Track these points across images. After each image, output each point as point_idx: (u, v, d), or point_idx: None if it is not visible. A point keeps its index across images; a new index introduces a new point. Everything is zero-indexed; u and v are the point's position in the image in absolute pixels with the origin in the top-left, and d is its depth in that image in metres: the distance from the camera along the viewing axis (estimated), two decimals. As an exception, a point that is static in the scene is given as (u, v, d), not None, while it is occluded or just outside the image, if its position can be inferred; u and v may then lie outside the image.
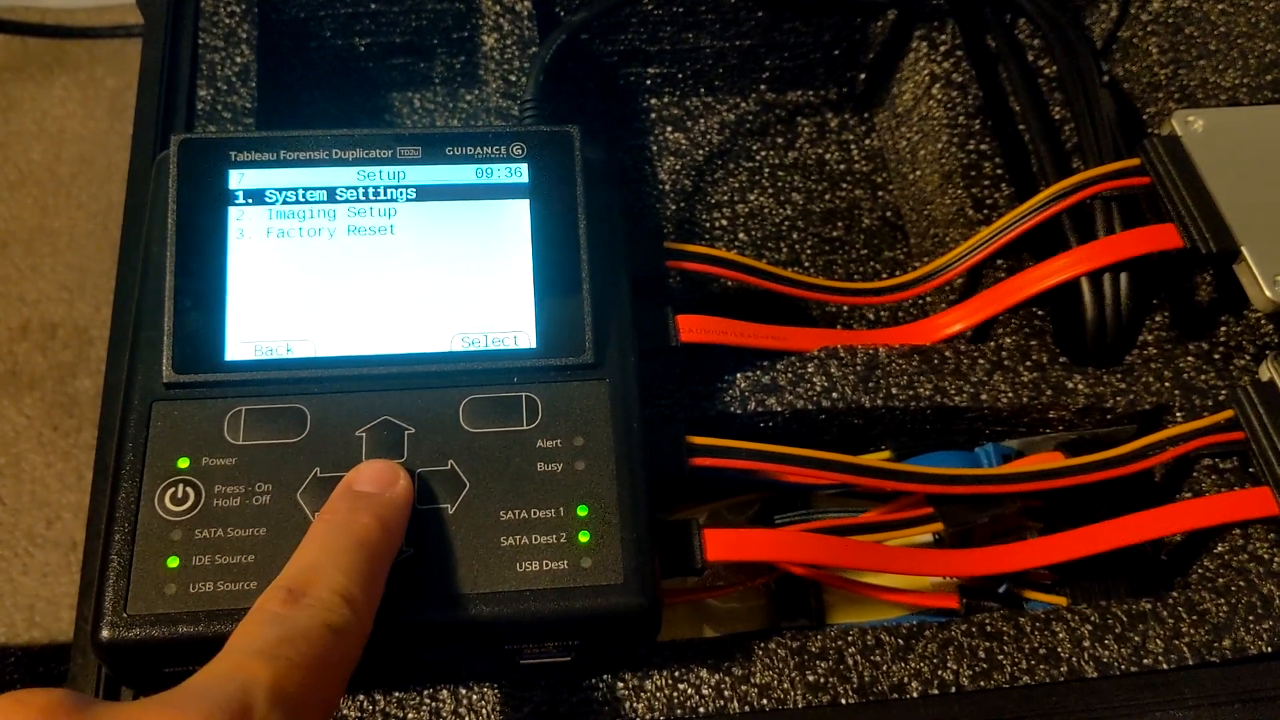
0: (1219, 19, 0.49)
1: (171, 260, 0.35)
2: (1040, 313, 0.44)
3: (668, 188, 0.53)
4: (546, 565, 0.32)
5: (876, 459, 0.41)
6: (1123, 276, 0.42)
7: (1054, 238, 0.44)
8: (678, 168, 0.54)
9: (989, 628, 0.36)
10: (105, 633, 0.31)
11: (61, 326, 0.55)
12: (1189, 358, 0.42)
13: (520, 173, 0.37)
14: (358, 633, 0.28)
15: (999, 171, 0.47)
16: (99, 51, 0.64)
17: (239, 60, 0.46)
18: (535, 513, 0.33)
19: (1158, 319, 0.43)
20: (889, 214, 0.53)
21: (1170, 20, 0.50)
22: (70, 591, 0.50)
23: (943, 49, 0.50)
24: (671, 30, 0.53)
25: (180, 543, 0.32)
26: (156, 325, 0.34)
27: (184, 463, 0.33)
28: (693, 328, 0.39)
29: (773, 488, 0.42)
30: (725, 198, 0.53)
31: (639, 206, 0.52)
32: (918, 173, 0.51)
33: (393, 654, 0.32)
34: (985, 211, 0.46)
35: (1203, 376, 0.41)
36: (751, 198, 0.53)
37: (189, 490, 0.32)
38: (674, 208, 0.53)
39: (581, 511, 0.33)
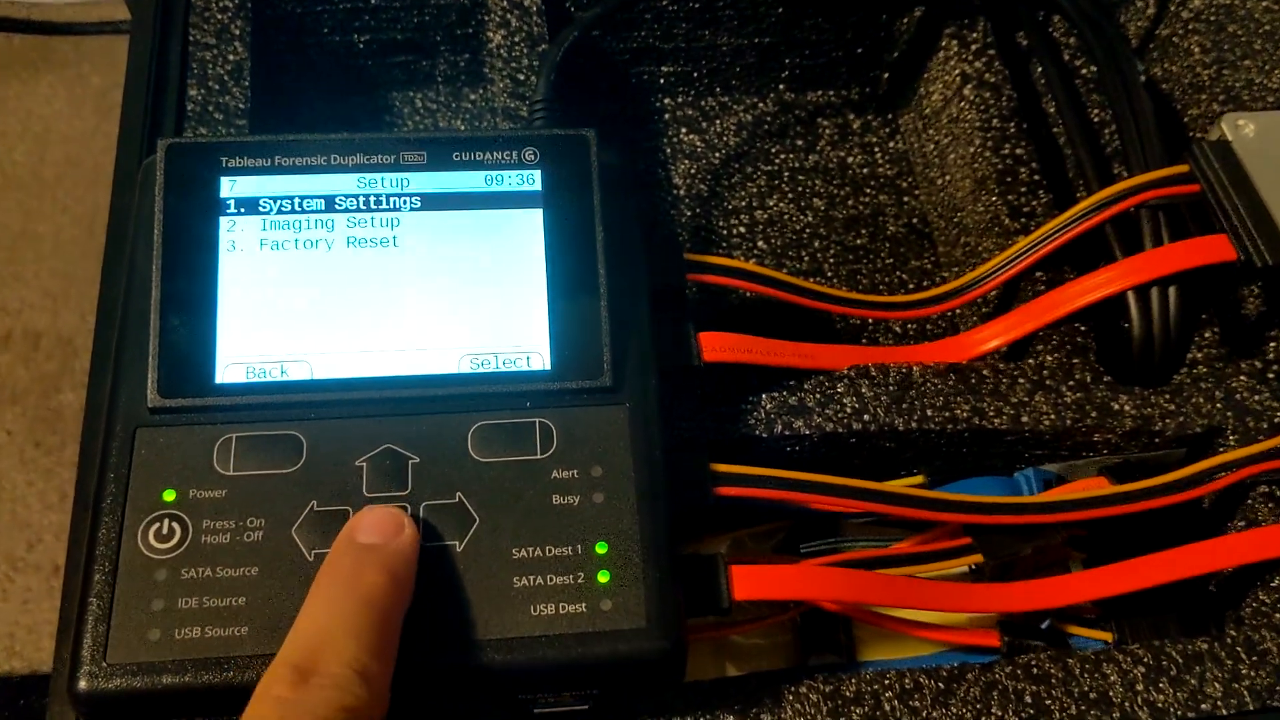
0: (1263, 16, 0.46)
1: (158, 274, 0.32)
2: (1082, 328, 0.41)
3: (682, 192, 0.51)
4: (563, 608, 0.30)
5: (910, 485, 0.38)
6: (1171, 291, 0.39)
7: (1095, 248, 0.41)
8: (693, 171, 0.51)
9: (1035, 670, 0.34)
10: (83, 683, 0.28)
11: (45, 336, 0.53)
12: (1241, 377, 0.39)
13: (533, 180, 0.34)
14: (377, 710, 0.25)
15: (1036, 177, 0.45)
16: (86, 48, 0.61)
17: (231, 58, 0.43)
18: (550, 550, 0.30)
19: (1207, 335, 0.41)
20: (915, 220, 0.51)
21: (1212, 18, 0.48)
22: (52, 619, 0.48)
23: (974, 47, 0.48)
24: (687, 27, 0.50)
25: (165, 584, 0.29)
26: (141, 344, 0.32)
27: (170, 495, 0.30)
28: (716, 346, 0.36)
29: (799, 515, 0.39)
30: (743, 203, 0.51)
31: (652, 212, 0.50)
32: (947, 177, 0.49)
33: (396, 704, 0.30)
34: (1022, 220, 0.44)
35: (1256, 397, 0.39)
36: (771, 203, 0.51)
37: (175, 525, 0.30)
38: (689, 214, 0.50)
39: (600, 549, 0.30)
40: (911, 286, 0.49)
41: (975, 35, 0.48)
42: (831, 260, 0.49)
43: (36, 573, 0.48)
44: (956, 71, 0.48)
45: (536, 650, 0.29)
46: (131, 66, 0.43)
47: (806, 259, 0.49)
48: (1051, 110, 0.47)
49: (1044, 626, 0.38)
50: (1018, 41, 0.49)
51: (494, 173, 0.34)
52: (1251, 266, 0.38)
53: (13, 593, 0.48)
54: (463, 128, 0.51)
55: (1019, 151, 0.45)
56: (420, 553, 0.30)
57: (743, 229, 0.50)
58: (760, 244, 0.50)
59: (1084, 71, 0.48)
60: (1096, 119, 0.47)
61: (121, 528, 0.30)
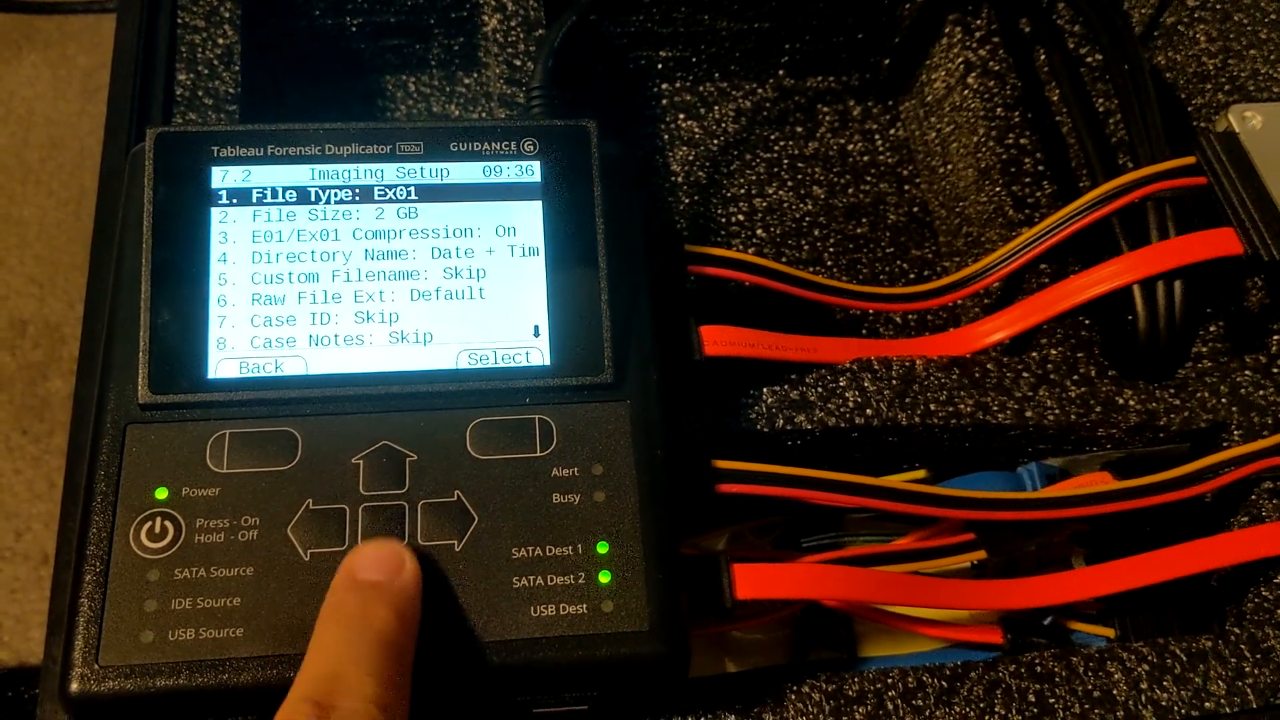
0: (1269, 5, 0.46)
1: (147, 267, 0.31)
2: (1087, 322, 0.41)
3: (680, 180, 0.50)
4: (564, 609, 0.29)
5: (913, 481, 0.38)
6: (1177, 285, 0.39)
7: (1099, 240, 0.41)
8: (691, 158, 0.50)
9: (1039, 668, 0.34)
10: (75, 685, 0.28)
11: (31, 323, 0.52)
12: (1246, 372, 0.39)
13: (532, 171, 0.34)
14: None
15: (1040, 168, 0.44)
16: (70, 27, 0.60)
17: (221, 42, 0.42)
18: (551, 550, 0.30)
19: (1211, 329, 0.41)
20: (916, 209, 0.50)
21: (1218, 6, 0.47)
22: (41, 609, 0.47)
23: (978, 35, 0.47)
24: (686, 11, 0.49)
25: (158, 584, 0.29)
26: (131, 339, 0.31)
27: (162, 493, 0.30)
28: (718, 340, 0.36)
29: (800, 509, 0.39)
30: (742, 191, 0.50)
31: (649, 200, 0.49)
32: (949, 166, 0.48)
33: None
34: (1026, 211, 0.43)
35: (1261, 392, 0.39)
36: (770, 191, 0.50)
37: (168, 524, 0.29)
38: (687, 201, 0.49)
39: (601, 549, 0.30)
40: (912, 276, 0.48)
41: (979, 22, 0.47)
42: (831, 249, 0.49)
43: (25, 562, 0.47)
44: (960, 59, 0.47)
45: (536, 652, 0.29)
46: (118, 49, 0.42)
47: (806, 248, 0.49)
48: (1056, 99, 0.46)
49: (1046, 623, 0.37)
50: (1022, 28, 0.48)
51: (492, 164, 0.33)
52: (1258, 260, 0.38)
53: (0, 582, 0.47)
54: (457, 113, 0.50)
55: (1023, 141, 0.45)
56: (418, 552, 0.29)
57: (741, 217, 0.49)
58: (759, 232, 0.49)
59: (1089, 60, 0.48)
60: (1101, 109, 0.46)
61: (113, 527, 0.29)
